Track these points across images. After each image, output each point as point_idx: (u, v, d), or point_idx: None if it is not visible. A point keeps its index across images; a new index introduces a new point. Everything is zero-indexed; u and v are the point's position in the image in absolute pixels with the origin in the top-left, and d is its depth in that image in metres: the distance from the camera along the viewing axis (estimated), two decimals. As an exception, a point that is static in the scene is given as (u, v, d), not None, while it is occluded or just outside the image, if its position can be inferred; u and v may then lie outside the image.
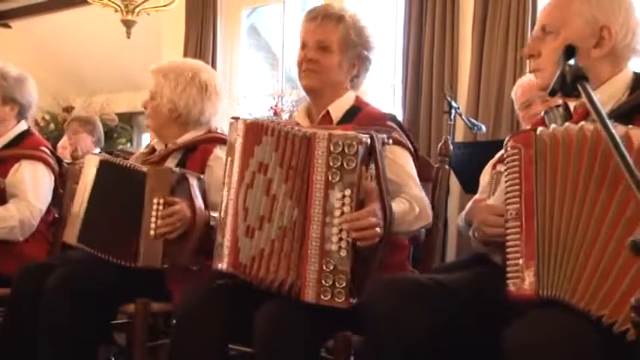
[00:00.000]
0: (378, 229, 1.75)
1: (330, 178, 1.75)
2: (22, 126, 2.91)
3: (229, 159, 1.98)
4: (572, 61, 1.36)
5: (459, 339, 1.62)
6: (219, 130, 2.60)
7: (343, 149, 1.74)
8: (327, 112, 2.16)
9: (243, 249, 1.89)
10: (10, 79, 2.83)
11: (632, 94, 1.64)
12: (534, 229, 1.46)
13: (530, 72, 1.78)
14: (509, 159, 1.54)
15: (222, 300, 1.96)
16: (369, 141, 1.78)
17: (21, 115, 2.90)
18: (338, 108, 2.16)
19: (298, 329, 1.78)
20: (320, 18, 2.14)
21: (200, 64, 2.64)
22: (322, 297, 1.75)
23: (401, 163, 2.08)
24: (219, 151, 2.47)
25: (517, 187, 1.51)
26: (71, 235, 2.45)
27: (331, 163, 1.75)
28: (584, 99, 1.25)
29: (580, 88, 1.28)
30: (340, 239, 1.75)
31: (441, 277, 1.75)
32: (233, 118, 2.07)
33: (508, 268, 1.48)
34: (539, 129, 1.52)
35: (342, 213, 1.75)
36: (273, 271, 1.83)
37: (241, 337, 1.95)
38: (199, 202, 2.27)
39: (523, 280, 1.45)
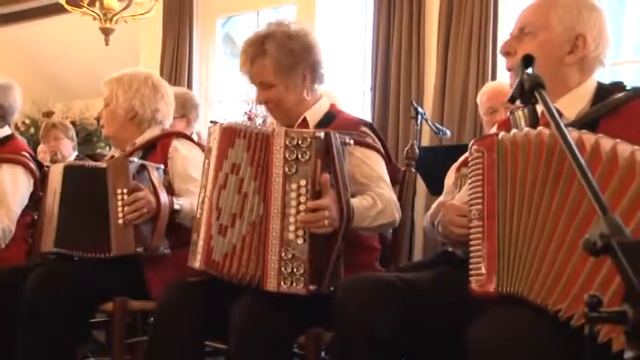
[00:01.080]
0: (327, 221, 1.77)
1: (287, 170, 1.79)
2: (5, 131, 2.87)
3: (206, 162, 2.00)
4: (529, 70, 1.37)
5: (425, 335, 1.63)
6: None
7: (298, 143, 1.78)
8: (305, 118, 2.16)
9: (216, 247, 1.90)
10: None
11: (595, 102, 1.66)
12: (495, 229, 1.47)
13: (507, 69, 1.78)
14: (473, 162, 1.55)
15: (198, 297, 1.95)
16: (323, 136, 1.80)
17: (3, 120, 2.86)
18: (314, 114, 2.16)
19: (272, 325, 1.78)
20: (249, 61, 2.13)
21: (151, 71, 2.69)
22: (282, 284, 1.77)
23: (370, 164, 2.08)
24: (177, 143, 2.52)
25: (480, 188, 1.52)
26: (48, 243, 2.45)
27: (287, 156, 1.79)
28: (541, 106, 1.26)
29: (537, 95, 1.29)
30: (297, 228, 1.78)
31: (408, 275, 1.75)
32: (212, 122, 2.08)
33: (471, 266, 1.49)
34: (501, 134, 1.53)
35: (299, 203, 1.78)
36: (244, 266, 1.84)
37: (217, 334, 1.94)
38: (162, 187, 2.31)
39: (484, 278, 1.46)
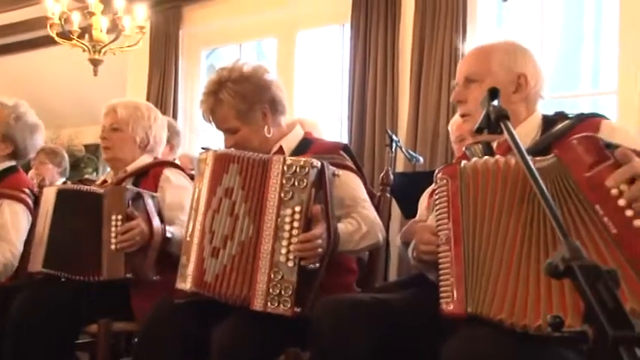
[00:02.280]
0: (320, 250, 1.78)
1: (282, 196, 1.79)
2: (10, 162, 2.72)
3: (197, 187, 1.98)
4: (495, 102, 1.40)
5: (400, 355, 1.63)
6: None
7: (296, 170, 1.79)
8: (280, 147, 2.15)
9: (209, 269, 1.88)
10: (21, 123, 2.69)
11: (544, 131, 1.73)
12: (462, 252, 1.48)
13: (461, 116, 1.83)
14: (438, 189, 1.58)
15: (181, 318, 1.93)
16: (319, 165, 1.81)
17: (14, 156, 2.72)
18: (289, 142, 2.16)
19: (254, 346, 1.77)
20: (209, 112, 2.12)
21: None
22: (270, 305, 1.76)
23: (353, 186, 2.08)
24: (169, 172, 2.51)
25: (446, 214, 1.54)
26: (36, 263, 2.41)
27: (284, 182, 1.79)
28: (506, 135, 1.29)
29: (503, 125, 1.32)
30: (288, 252, 1.77)
31: (383, 296, 1.76)
32: (203, 148, 2.08)
33: (441, 289, 1.50)
34: (464, 162, 1.56)
35: (292, 228, 1.78)
36: (232, 286, 1.83)
37: (201, 354, 1.91)
38: (155, 216, 2.29)
39: (453, 299, 1.46)
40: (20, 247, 2.59)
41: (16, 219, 2.60)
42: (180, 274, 1.95)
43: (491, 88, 1.41)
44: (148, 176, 2.51)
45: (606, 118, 1.70)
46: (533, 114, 1.77)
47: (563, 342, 0.75)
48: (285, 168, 1.79)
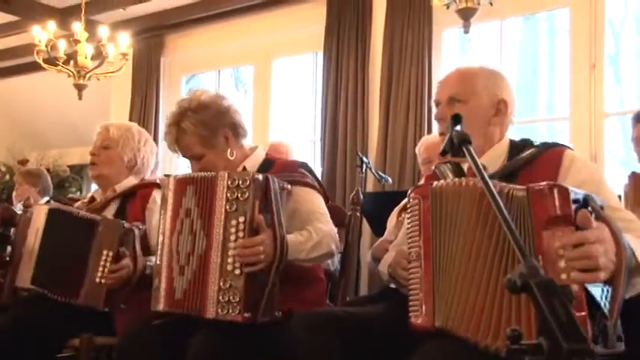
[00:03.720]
0: (262, 256, 1.77)
1: (228, 208, 1.80)
2: None
3: (162, 211, 1.99)
4: (458, 127, 1.41)
5: None
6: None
7: (238, 184, 1.80)
8: (244, 167, 2.12)
9: (178, 286, 1.88)
10: None
11: (510, 156, 1.72)
12: (431, 268, 1.49)
13: (440, 134, 1.82)
14: (410, 208, 1.57)
15: (157, 335, 1.91)
16: (261, 178, 1.82)
17: None
18: (252, 163, 2.14)
19: (227, 355, 1.75)
20: (174, 142, 2.11)
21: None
22: (220, 312, 1.76)
23: (310, 201, 2.06)
24: (157, 195, 2.45)
25: (417, 232, 1.54)
26: (25, 278, 2.37)
27: (229, 196, 1.81)
28: (468, 159, 1.30)
29: (465, 150, 1.32)
30: (234, 260, 1.77)
31: (355, 309, 1.76)
32: (165, 175, 2.08)
33: (410, 302, 1.50)
34: (435, 183, 1.56)
35: (237, 238, 1.78)
36: (193, 298, 1.83)
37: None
38: (140, 253, 2.25)
39: (422, 313, 1.47)
40: None
41: None
42: (154, 297, 1.94)
43: (455, 114, 1.42)
44: (136, 197, 2.47)
45: (569, 148, 1.71)
46: (504, 138, 1.77)
47: (521, 355, 0.75)
48: (229, 182, 1.81)
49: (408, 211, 1.58)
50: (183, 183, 1.96)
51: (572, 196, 1.33)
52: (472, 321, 1.38)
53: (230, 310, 1.74)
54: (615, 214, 1.50)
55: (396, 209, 2.89)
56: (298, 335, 1.59)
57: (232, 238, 1.79)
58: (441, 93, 1.80)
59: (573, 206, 1.32)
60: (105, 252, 2.21)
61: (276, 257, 1.81)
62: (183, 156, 2.16)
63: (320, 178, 2.42)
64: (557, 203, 1.32)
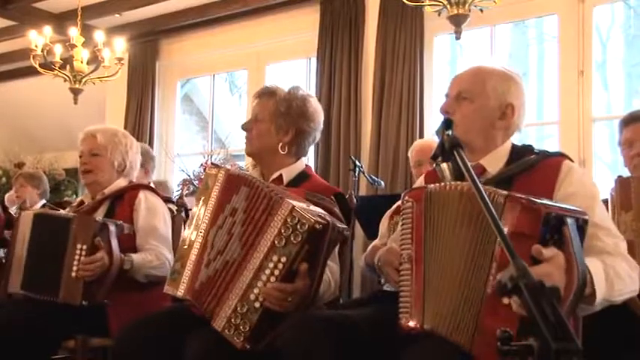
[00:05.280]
0: (289, 304, 1.71)
1: (276, 242, 1.72)
2: None
3: (202, 199, 1.93)
4: (449, 132, 1.41)
5: None
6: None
7: (296, 224, 1.70)
8: (280, 175, 2.11)
9: (200, 277, 1.85)
10: None
11: (510, 161, 1.71)
12: (422, 271, 1.48)
13: (437, 133, 1.80)
14: (404, 211, 1.56)
15: (154, 335, 1.89)
16: (320, 228, 1.71)
17: None
18: (289, 172, 2.12)
19: (225, 356, 1.74)
20: (257, 96, 2.15)
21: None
22: (226, 331, 1.73)
23: None
24: (142, 196, 2.49)
25: (410, 234, 1.53)
26: (15, 285, 2.38)
27: (283, 231, 1.71)
28: (459, 163, 1.30)
29: (456, 153, 1.33)
30: (261, 293, 1.72)
31: (348, 312, 1.76)
32: (213, 164, 2.05)
33: (400, 304, 1.50)
34: (429, 186, 1.55)
35: (272, 274, 1.72)
36: (206, 295, 1.81)
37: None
38: (116, 248, 2.27)
39: (412, 315, 1.46)
40: None
41: None
42: (172, 279, 1.90)
43: (447, 118, 1.42)
44: (124, 199, 2.49)
45: (568, 159, 1.70)
46: (506, 142, 1.75)
47: (511, 356, 0.76)
48: (289, 219, 1.71)
49: (402, 213, 1.57)
50: (238, 181, 1.89)
51: (546, 215, 1.33)
52: (456, 325, 1.38)
53: (235, 336, 1.71)
54: (597, 232, 1.51)
55: (389, 212, 2.90)
56: (291, 336, 1.58)
57: (267, 272, 1.72)
58: (452, 87, 1.77)
59: (541, 228, 1.32)
60: (79, 246, 2.24)
61: (301, 306, 1.77)
62: (245, 124, 2.15)
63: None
64: (524, 219, 1.32)
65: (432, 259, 1.48)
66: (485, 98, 1.70)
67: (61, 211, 2.47)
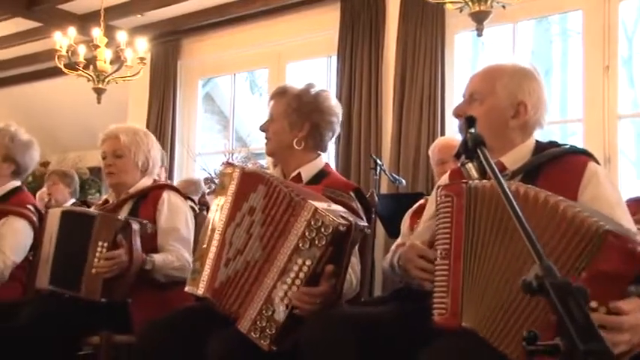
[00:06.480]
0: (317, 306, 1.70)
1: (300, 244, 1.71)
2: (15, 183, 2.76)
3: (219, 199, 1.94)
4: (472, 130, 1.39)
5: None
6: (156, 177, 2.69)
7: (320, 226, 1.68)
8: (299, 173, 2.11)
9: (220, 276, 1.86)
10: (17, 142, 2.73)
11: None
12: (461, 267, 1.44)
13: (459, 130, 1.79)
14: (442, 205, 1.51)
15: (176, 334, 1.90)
16: (344, 229, 1.70)
17: (17, 175, 2.76)
18: (308, 171, 2.12)
19: (248, 356, 1.74)
20: (271, 97, 2.17)
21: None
22: (252, 334, 1.72)
23: None
24: (167, 196, 2.50)
25: (448, 230, 1.48)
26: (43, 280, 2.41)
27: (307, 234, 1.70)
28: (483, 162, 1.28)
29: (479, 152, 1.31)
30: (285, 296, 1.71)
31: (369, 309, 1.75)
32: (229, 163, 2.07)
33: (435, 300, 1.46)
34: (471, 182, 1.51)
35: (297, 277, 1.71)
36: (228, 295, 1.81)
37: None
38: (138, 248, 2.27)
39: (448, 312, 1.43)
40: (14, 258, 2.59)
41: (15, 232, 2.61)
42: (192, 279, 1.91)
43: (469, 116, 1.40)
44: (148, 198, 2.50)
45: (595, 160, 1.66)
46: (528, 140, 1.71)
47: (537, 356, 0.75)
48: (313, 222, 1.69)
49: (439, 208, 1.52)
50: (254, 179, 1.89)
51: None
52: (494, 326, 1.36)
53: (261, 339, 1.71)
54: None
55: (410, 211, 2.89)
56: (314, 334, 1.58)
57: (292, 275, 1.71)
58: (466, 88, 1.76)
59: (635, 270, 1.28)
60: (100, 243, 2.26)
61: (327, 306, 1.74)
62: (262, 125, 2.16)
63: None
64: (621, 259, 1.27)
65: (473, 256, 1.44)
66: (496, 98, 1.68)
67: (87, 209, 2.50)
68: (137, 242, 2.28)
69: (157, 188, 2.54)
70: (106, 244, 2.25)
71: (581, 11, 4.40)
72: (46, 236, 2.48)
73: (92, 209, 2.66)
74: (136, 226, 2.30)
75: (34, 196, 3.67)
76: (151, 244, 2.38)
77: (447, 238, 1.48)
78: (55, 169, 5.47)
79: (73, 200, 4.80)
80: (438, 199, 1.54)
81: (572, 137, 4.95)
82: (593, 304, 1.24)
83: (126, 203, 2.52)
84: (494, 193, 1.45)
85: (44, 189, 4.95)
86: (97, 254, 2.25)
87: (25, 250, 2.67)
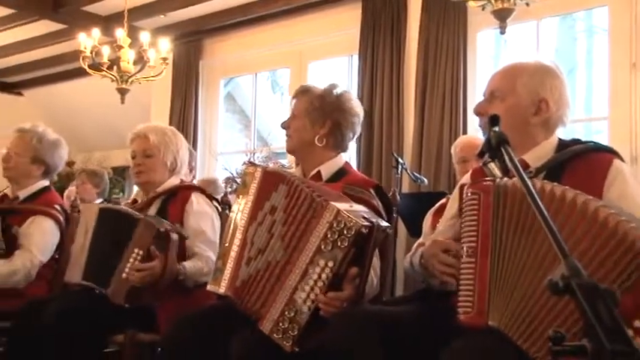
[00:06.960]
0: (344, 305, 1.70)
1: (322, 246, 1.70)
2: (44, 182, 2.82)
3: (241, 198, 1.95)
4: (496, 128, 1.38)
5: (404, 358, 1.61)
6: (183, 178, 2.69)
7: (342, 228, 1.68)
8: (319, 171, 2.11)
9: (241, 275, 1.87)
10: (45, 143, 2.77)
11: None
12: (488, 265, 1.43)
13: (480, 128, 1.78)
14: (468, 202, 1.51)
15: (201, 332, 1.92)
16: (366, 231, 1.69)
17: (46, 174, 2.82)
18: (328, 169, 2.12)
19: (271, 355, 1.75)
20: (294, 95, 2.19)
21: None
22: (275, 335, 1.72)
23: None
24: (195, 198, 2.50)
25: (474, 227, 1.47)
26: (76, 274, 2.42)
27: (329, 236, 1.69)
28: (507, 160, 1.27)
29: (503, 150, 1.30)
30: (308, 297, 1.71)
31: (391, 308, 1.75)
32: (251, 163, 2.07)
33: (460, 298, 1.45)
34: (499, 180, 1.50)
35: (319, 278, 1.70)
36: (249, 294, 1.82)
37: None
38: (173, 260, 2.25)
39: (474, 310, 1.42)
40: (41, 257, 2.63)
41: (42, 232, 2.65)
42: (214, 278, 1.93)
43: (492, 115, 1.39)
44: (177, 198, 2.50)
45: (620, 158, 1.64)
46: (550, 138, 1.70)
47: (564, 356, 0.74)
48: (335, 224, 1.69)
49: (465, 205, 1.52)
50: (276, 178, 1.90)
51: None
52: (520, 326, 1.35)
53: (284, 340, 1.71)
54: None
55: (432, 210, 2.87)
56: (336, 333, 1.58)
57: (315, 276, 1.71)
58: (487, 86, 1.75)
59: None
60: (136, 250, 2.25)
61: (351, 307, 1.73)
62: (283, 123, 2.17)
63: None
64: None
65: (501, 254, 1.43)
66: (516, 96, 1.67)
67: (131, 210, 2.49)
68: (173, 254, 2.25)
69: (185, 189, 2.55)
70: (141, 252, 2.23)
71: (607, 7, 4.33)
72: (80, 229, 2.48)
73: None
74: (174, 237, 2.27)
75: (61, 195, 3.71)
76: (181, 250, 2.36)
77: (473, 236, 1.47)
78: (84, 167, 5.53)
79: (100, 200, 4.84)
80: (464, 196, 1.53)
81: (597, 135, 4.88)
82: (637, 323, 1.23)
83: (154, 202, 2.53)
84: (522, 191, 1.44)
85: (73, 187, 5.00)
86: (131, 260, 2.24)
87: (51, 249, 2.70)
